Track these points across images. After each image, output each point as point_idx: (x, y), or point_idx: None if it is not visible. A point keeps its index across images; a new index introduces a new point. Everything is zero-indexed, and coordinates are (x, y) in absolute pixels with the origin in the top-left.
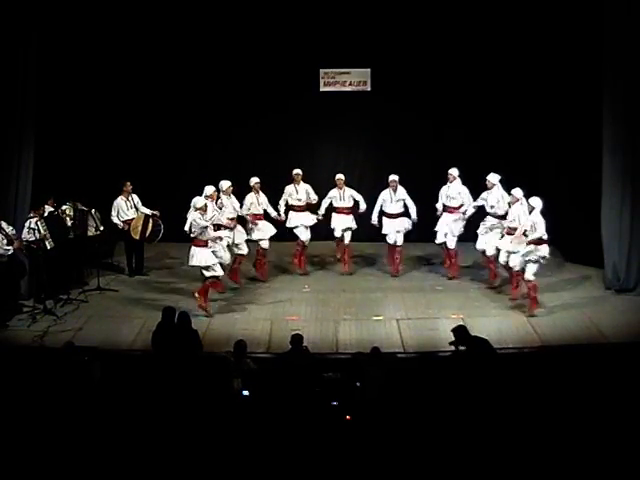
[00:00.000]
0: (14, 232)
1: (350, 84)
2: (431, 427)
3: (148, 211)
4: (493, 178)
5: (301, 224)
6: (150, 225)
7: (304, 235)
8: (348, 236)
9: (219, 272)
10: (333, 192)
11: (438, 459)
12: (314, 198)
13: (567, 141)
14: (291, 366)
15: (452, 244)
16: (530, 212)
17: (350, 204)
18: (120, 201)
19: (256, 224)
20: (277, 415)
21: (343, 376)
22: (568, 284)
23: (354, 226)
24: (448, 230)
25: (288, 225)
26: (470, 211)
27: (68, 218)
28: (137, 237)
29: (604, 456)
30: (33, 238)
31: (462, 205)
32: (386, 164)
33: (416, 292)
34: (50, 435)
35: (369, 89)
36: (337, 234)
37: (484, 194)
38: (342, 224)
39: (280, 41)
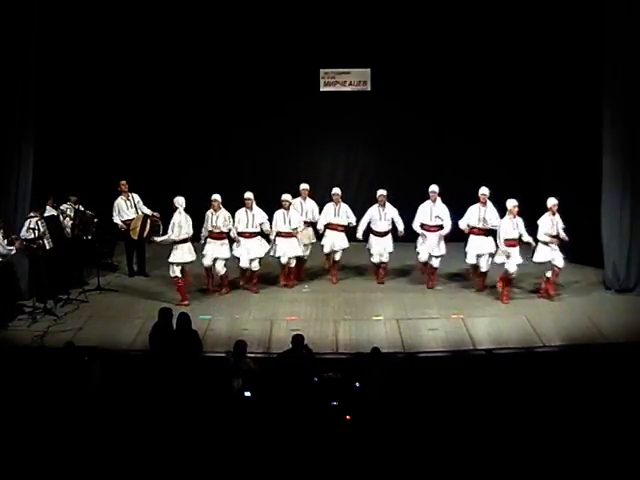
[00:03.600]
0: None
1: (350, 84)
2: (431, 427)
3: (148, 211)
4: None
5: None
6: (148, 225)
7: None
8: (338, 256)
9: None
10: (328, 207)
11: (438, 459)
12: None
13: (567, 141)
14: (291, 366)
15: (438, 264)
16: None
17: (344, 221)
18: (120, 201)
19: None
20: (277, 415)
21: (343, 376)
22: (568, 284)
23: (345, 245)
24: (434, 252)
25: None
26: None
27: (68, 218)
28: (135, 237)
29: (604, 456)
30: (32, 236)
31: (442, 226)
32: (386, 164)
33: (416, 292)
34: (50, 435)
35: (369, 89)
36: (326, 250)
37: (482, 211)
38: (333, 243)
39: (280, 41)
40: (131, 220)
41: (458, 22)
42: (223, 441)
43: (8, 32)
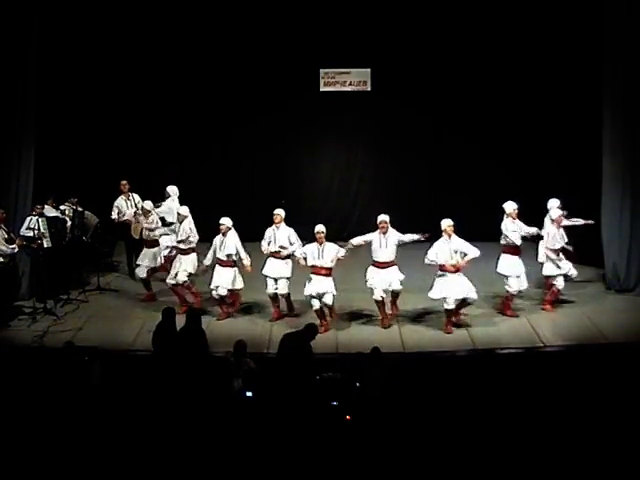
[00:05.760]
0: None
1: (350, 84)
2: (431, 427)
3: None
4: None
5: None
6: None
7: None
8: (329, 299)
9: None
10: (311, 247)
11: (438, 459)
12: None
13: (567, 141)
14: (291, 364)
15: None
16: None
17: (330, 264)
18: (120, 200)
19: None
20: (277, 415)
21: (343, 376)
22: (568, 284)
23: (333, 292)
24: (465, 294)
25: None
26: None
27: (67, 218)
28: (137, 236)
29: (604, 456)
30: (30, 234)
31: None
32: (386, 164)
33: (416, 292)
34: (50, 435)
35: (369, 89)
36: (309, 293)
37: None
38: (318, 288)
39: (280, 41)
40: (131, 218)
41: (458, 22)
42: (223, 441)
43: (8, 33)
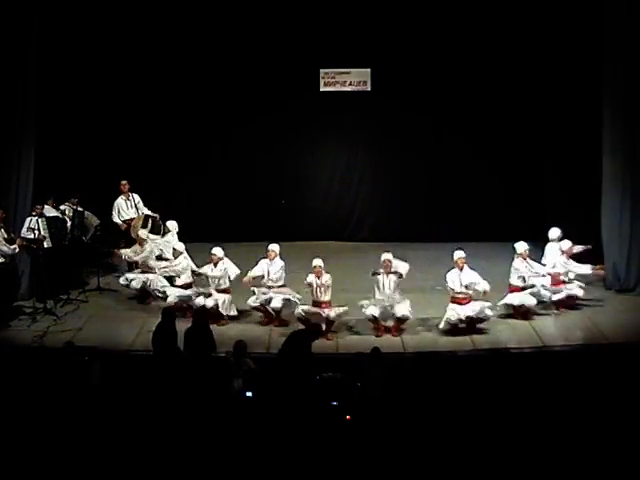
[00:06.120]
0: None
1: (350, 84)
2: (431, 427)
3: (149, 212)
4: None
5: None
6: (149, 225)
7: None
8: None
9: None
10: (310, 278)
11: (438, 459)
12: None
13: (567, 141)
14: (290, 363)
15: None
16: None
17: (328, 296)
18: (120, 201)
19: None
20: (277, 415)
21: (343, 376)
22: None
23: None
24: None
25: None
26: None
27: (67, 218)
28: (135, 236)
29: (604, 456)
30: (32, 236)
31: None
32: (386, 164)
33: (416, 292)
34: (50, 435)
35: (369, 89)
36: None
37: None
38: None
39: (280, 41)
40: (131, 220)
41: (458, 22)
42: (223, 441)
43: (8, 33)
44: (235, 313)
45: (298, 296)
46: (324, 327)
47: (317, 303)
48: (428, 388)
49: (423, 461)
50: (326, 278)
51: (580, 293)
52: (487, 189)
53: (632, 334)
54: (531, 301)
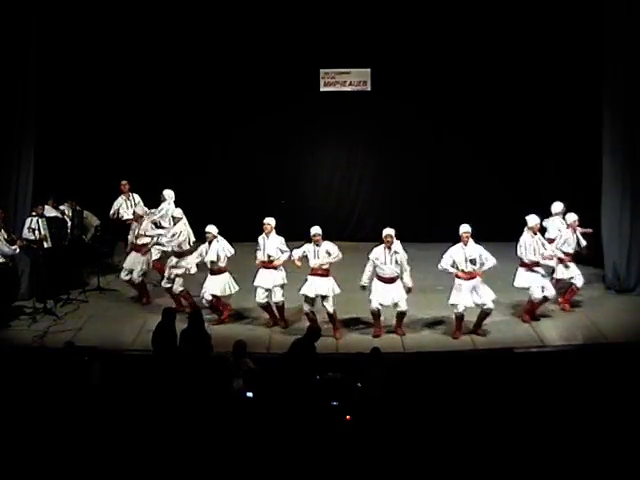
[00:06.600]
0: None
1: (350, 84)
2: (431, 427)
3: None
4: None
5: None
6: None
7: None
8: (329, 305)
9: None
10: (307, 247)
11: (438, 459)
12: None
13: (567, 141)
14: (295, 365)
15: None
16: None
17: (326, 262)
18: (120, 200)
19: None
20: (277, 415)
21: (343, 376)
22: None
23: (336, 290)
24: (476, 301)
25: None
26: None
27: (67, 218)
28: None
29: (604, 456)
30: (32, 237)
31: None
32: (386, 164)
33: (416, 292)
34: (50, 435)
35: (369, 89)
36: (305, 293)
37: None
38: (316, 289)
39: (280, 41)
40: (131, 220)
41: (458, 22)
42: (223, 441)
43: (8, 33)
44: (237, 288)
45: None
46: (329, 324)
47: (315, 270)
48: (428, 388)
49: (423, 461)
50: (327, 247)
51: (580, 283)
52: (487, 189)
53: (632, 334)
54: (537, 294)
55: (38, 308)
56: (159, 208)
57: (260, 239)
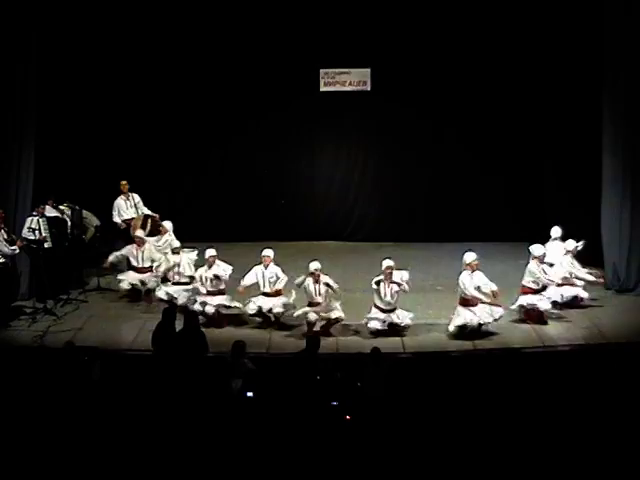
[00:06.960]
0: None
1: (350, 84)
2: (431, 427)
3: (148, 212)
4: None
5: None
6: (149, 225)
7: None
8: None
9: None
10: (308, 281)
11: (438, 459)
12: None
13: (567, 141)
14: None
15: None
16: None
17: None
18: (120, 200)
19: None
20: (277, 415)
21: (343, 376)
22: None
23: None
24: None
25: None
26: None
27: (67, 218)
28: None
29: (604, 456)
30: (33, 237)
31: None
32: (386, 164)
33: (416, 292)
34: (50, 435)
35: (369, 89)
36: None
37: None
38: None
39: (280, 41)
40: (131, 220)
41: (458, 22)
42: (223, 441)
43: (8, 31)
44: (239, 305)
45: (293, 297)
46: (321, 326)
47: (313, 304)
48: (428, 388)
49: (423, 461)
50: (325, 280)
51: (585, 295)
52: (487, 189)
53: (632, 334)
54: (545, 305)
55: (38, 308)
56: (163, 239)
57: (258, 270)
